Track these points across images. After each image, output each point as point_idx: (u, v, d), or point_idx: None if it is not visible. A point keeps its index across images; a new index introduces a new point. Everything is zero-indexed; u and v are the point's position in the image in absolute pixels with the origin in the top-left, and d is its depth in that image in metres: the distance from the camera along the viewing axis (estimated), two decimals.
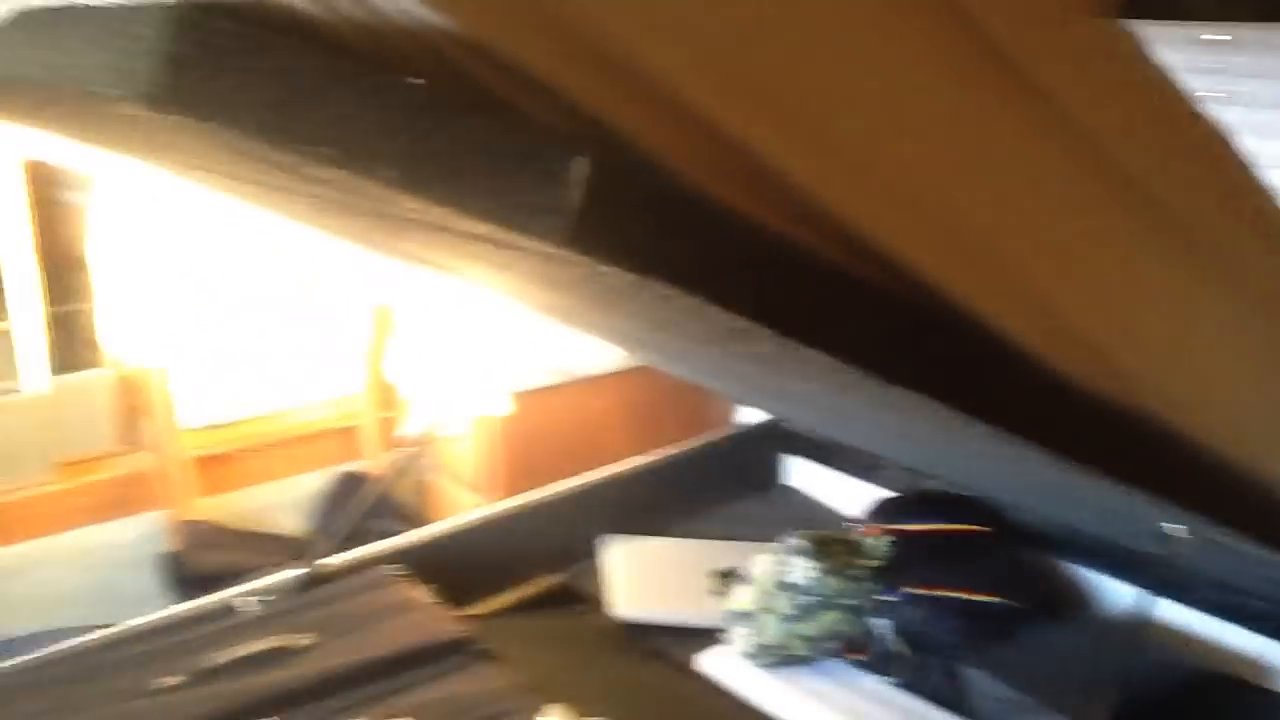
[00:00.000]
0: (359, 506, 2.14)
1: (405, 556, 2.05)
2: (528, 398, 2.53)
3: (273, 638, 1.76)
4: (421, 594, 1.94)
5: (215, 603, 1.89)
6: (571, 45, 0.44)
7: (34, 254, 2.52)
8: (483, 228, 0.50)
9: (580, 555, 2.18)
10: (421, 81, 0.49)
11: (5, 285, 2.58)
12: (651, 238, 0.50)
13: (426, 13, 0.43)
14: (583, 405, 2.65)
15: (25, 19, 0.64)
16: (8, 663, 1.64)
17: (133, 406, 2.57)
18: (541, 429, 2.57)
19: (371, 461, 2.76)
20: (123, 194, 2.43)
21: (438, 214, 0.51)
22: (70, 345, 3.01)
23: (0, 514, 2.41)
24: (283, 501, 2.58)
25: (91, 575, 2.38)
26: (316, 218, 0.83)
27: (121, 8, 0.53)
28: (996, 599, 1.88)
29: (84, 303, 2.71)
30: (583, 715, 1.63)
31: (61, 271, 3.00)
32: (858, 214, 0.53)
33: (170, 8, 0.49)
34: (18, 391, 2.68)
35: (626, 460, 2.39)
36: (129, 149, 0.77)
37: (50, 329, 2.69)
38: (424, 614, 1.89)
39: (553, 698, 1.65)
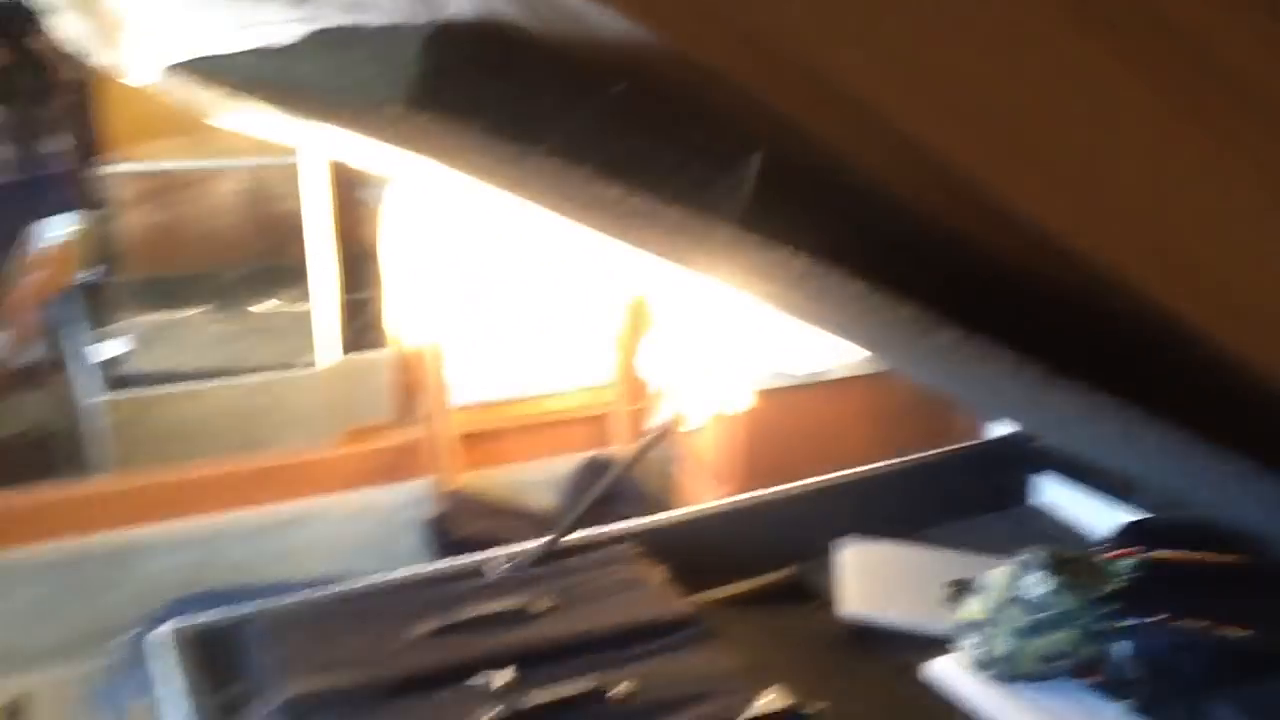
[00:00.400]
0: (603, 488, 2.26)
1: (642, 538, 2.15)
2: (772, 396, 2.58)
3: (514, 599, 1.91)
4: (654, 573, 2.04)
5: (467, 564, 2.06)
6: (760, 53, 0.49)
7: (334, 245, 2.80)
8: (673, 211, 0.57)
9: (813, 553, 2.20)
10: (623, 86, 0.56)
11: (310, 272, 2.87)
12: (821, 225, 0.54)
13: (632, 29, 0.50)
14: (825, 407, 2.67)
15: (317, 36, 0.75)
16: (286, 599, 1.86)
17: (410, 384, 2.81)
18: (783, 428, 2.61)
19: (619, 449, 2.89)
20: (411, 192, 2.66)
21: (634, 202, 0.58)
22: (360, 328, 3.32)
23: (290, 472, 2.70)
24: (536, 480, 2.75)
25: (364, 532, 2.63)
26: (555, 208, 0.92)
27: (387, 28, 0.63)
28: (1252, 635, 1.77)
29: (374, 290, 2.99)
30: (802, 704, 1.68)
31: (357, 261, 3.32)
32: (1046, 216, 0.55)
33: (423, 27, 0.58)
34: (314, 366, 2.99)
35: (868, 465, 2.40)
36: (399, 149, 0.89)
37: (344, 312, 2.98)
38: (654, 592, 1.99)
39: (772, 683, 1.70)
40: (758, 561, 2.26)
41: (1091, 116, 0.52)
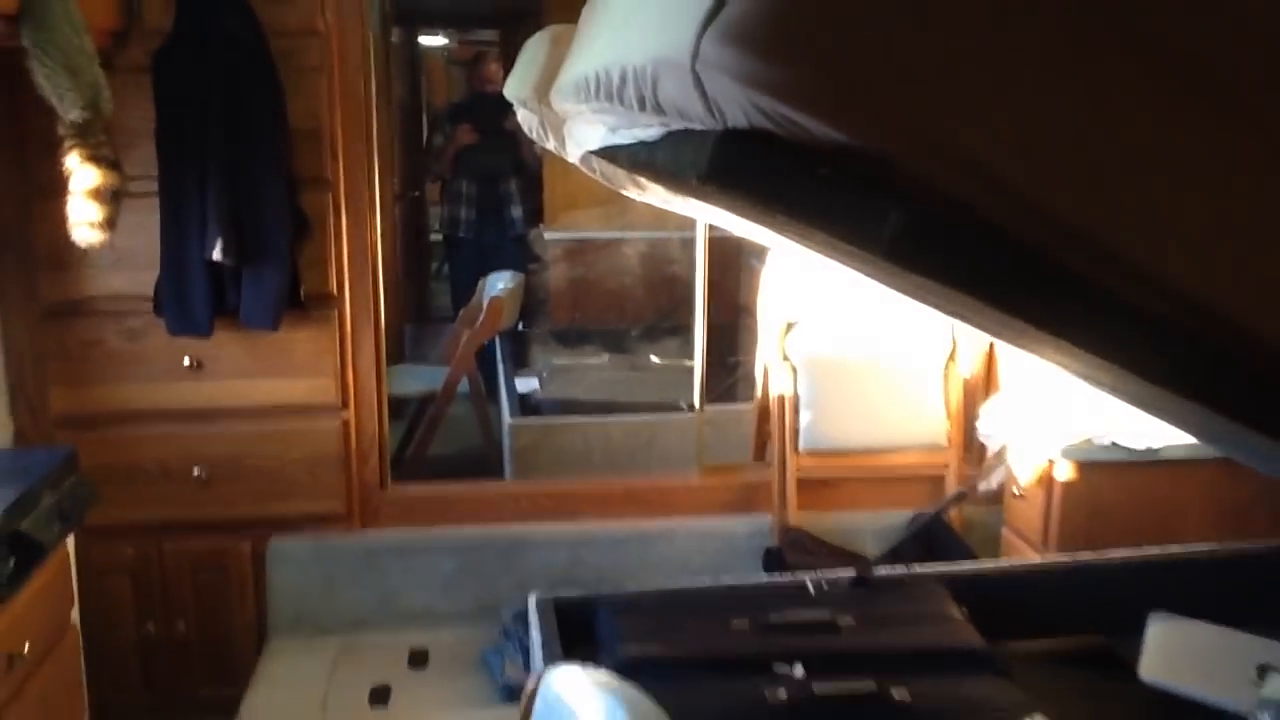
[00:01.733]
0: (915, 528, 2.49)
1: (952, 583, 2.35)
2: (1107, 470, 2.68)
3: (822, 613, 2.19)
4: (954, 610, 2.23)
5: (790, 582, 2.37)
6: (921, 143, 0.80)
7: (704, 309, 3.21)
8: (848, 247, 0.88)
9: (1122, 624, 2.28)
10: (826, 171, 0.89)
11: (695, 330, 3.31)
12: (958, 266, 0.83)
13: (842, 138, 0.83)
14: (1161, 486, 2.69)
15: (668, 135, 1.12)
16: (648, 590, 2.27)
17: (766, 431, 3.17)
18: (1115, 503, 2.68)
19: (949, 513, 3.08)
20: (783, 261, 3.03)
21: (829, 241, 0.90)
22: (732, 383, 3.74)
23: (656, 495, 3.13)
24: (865, 528, 2.98)
25: (710, 551, 2.99)
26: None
27: (700, 131, 1.00)
28: None
29: (748, 349, 3.39)
30: None
31: (737, 322, 3.75)
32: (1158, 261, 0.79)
33: (713, 133, 0.94)
34: (689, 411, 3.43)
35: (1193, 544, 2.42)
36: (705, 205, 1.26)
37: (718, 367, 3.40)
38: (950, 625, 2.18)
39: None
40: (1064, 623, 2.37)
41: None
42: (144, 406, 2.84)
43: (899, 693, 1.96)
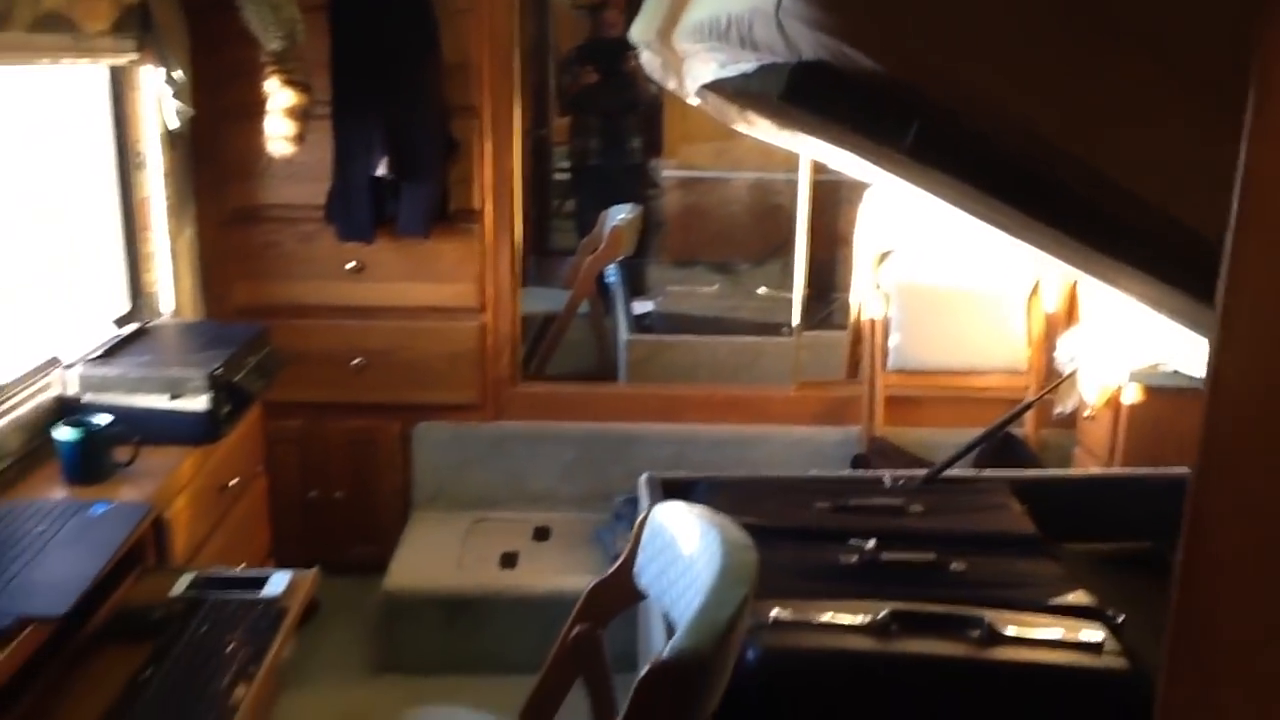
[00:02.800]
0: (983, 437, 2.77)
1: (1016, 487, 2.64)
2: (1165, 394, 2.91)
3: (894, 500, 2.51)
4: (1015, 505, 2.53)
5: (868, 476, 2.69)
6: (936, 76, 1.12)
7: (806, 244, 3.50)
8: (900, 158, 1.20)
9: (1179, 534, 2.52)
10: (864, 90, 1.20)
11: (796, 263, 3.60)
12: (960, 162, 1.15)
13: (882, 70, 1.14)
14: None
15: (760, 68, 1.45)
16: (742, 475, 2.61)
17: (859, 351, 3.47)
18: (1172, 424, 2.91)
19: (1025, 431, 3.34)
20: (879, 194, 3.31)
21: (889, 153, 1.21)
22: (829, 312, 4.05)
23: (754, 403, 3.46)
24: (944, 443, 3.26)
25: (801, 458, 3.31)
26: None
27: (777, 63, 1.32)
28: None
29: (845, 280, 3.67)
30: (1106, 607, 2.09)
31: (834, 259, 4.05)
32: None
33: (790, 64, 1.26)
34: (787, 336, 3.75)
35: None
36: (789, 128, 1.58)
37: (816, 296, 3.71)
38: (1011, 516, 2.48)
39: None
40: (1118, 529, 2.63)
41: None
42: (312, 302, 3.29)
43: (956, 564, 2.27)
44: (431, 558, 3.16)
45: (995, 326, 3.33)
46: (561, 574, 3.04)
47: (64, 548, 1.79)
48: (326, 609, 3.22)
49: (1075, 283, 3.29)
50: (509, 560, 3.17)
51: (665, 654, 1.43)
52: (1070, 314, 3.35)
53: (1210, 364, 0.76)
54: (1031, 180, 1.11)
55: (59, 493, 2.07)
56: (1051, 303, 3.35)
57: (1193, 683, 0.85)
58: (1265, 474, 0.78)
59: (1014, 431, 3.30)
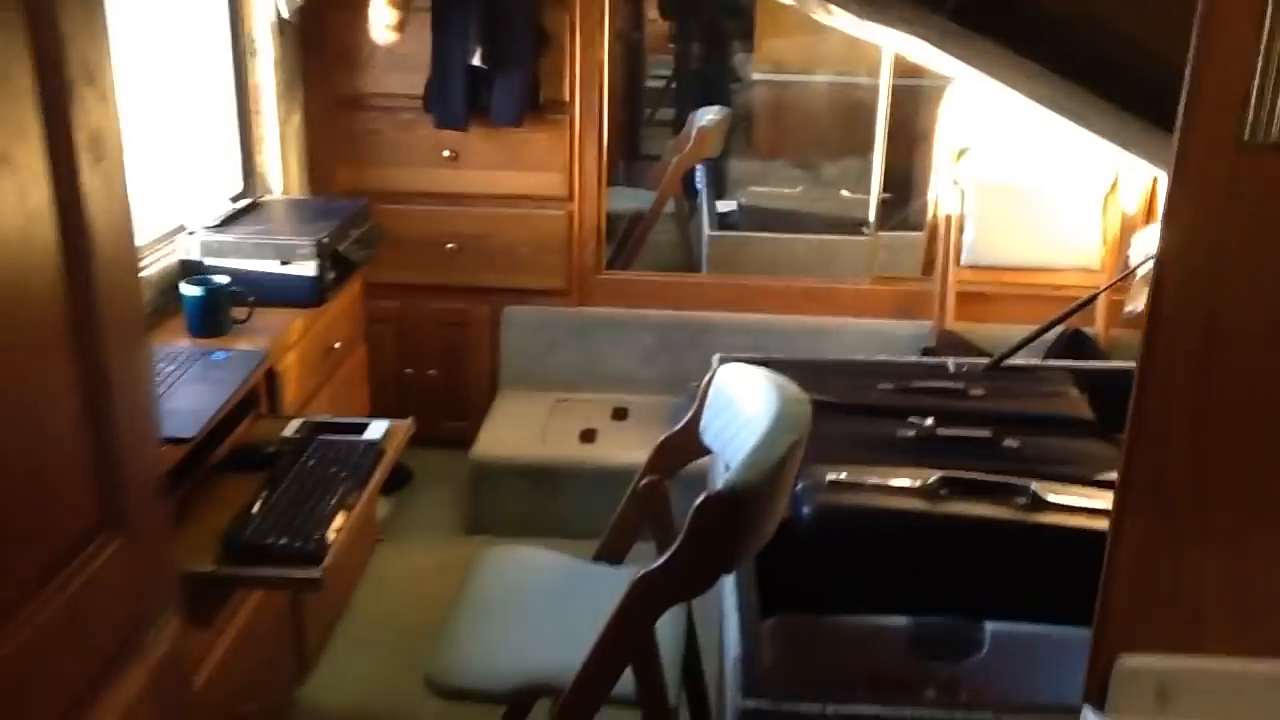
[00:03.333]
0: (1042, 330, 2.85)
1: (1077, 377, 2.72)
2: None
3: (957, 383, 2.62)
4: (1074, 392, 2.62)
5: (935, 361, 2.80)
6: None
7: (883, 147, 3.55)
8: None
9: None
10: None
11: (874, 167, 3.66)
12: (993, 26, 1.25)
13: None
14: None
15: None
16: (812, 359, 2.74)
17: (933, 248, 3.54)
18: None
19: (1096, 329, 3.40)
20: (962, 94, 3.35)
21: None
22: (906, 214, 4.11)
23: (829, 295, 3.57)
24: (1014, 338, 3.33)
25: (873, 349, 3.41)
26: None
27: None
28: None
29: (920, 191, 3.73)
30: None
31: (913, 164, 4.09)
32: None
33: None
34: (865, 235, 3.83)
35: None
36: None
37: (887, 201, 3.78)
38: (1069, 400, 2.58)
39: None
40: None
41: None
42: (409, 188, 3.47)
43: (1010, 441, 2.38)
44: (516, 431, 3.36)
45: (1070, 224, 3.37)
46: (637, 449, 3.20)
47: (191, 385, 2.01)
48: (419, 477, 3.46)
49: (1155, 180, 3.30)
50: (588, 436, 3.36)
51: (719, 486, 1.59)
52: (1149, 213, 3.37)
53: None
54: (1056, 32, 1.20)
55: (184, 343, 2.29)
56: (1130, 201, 3.37)
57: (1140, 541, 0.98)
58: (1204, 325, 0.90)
59: (1084, 330, 3.36)
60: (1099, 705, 1.00)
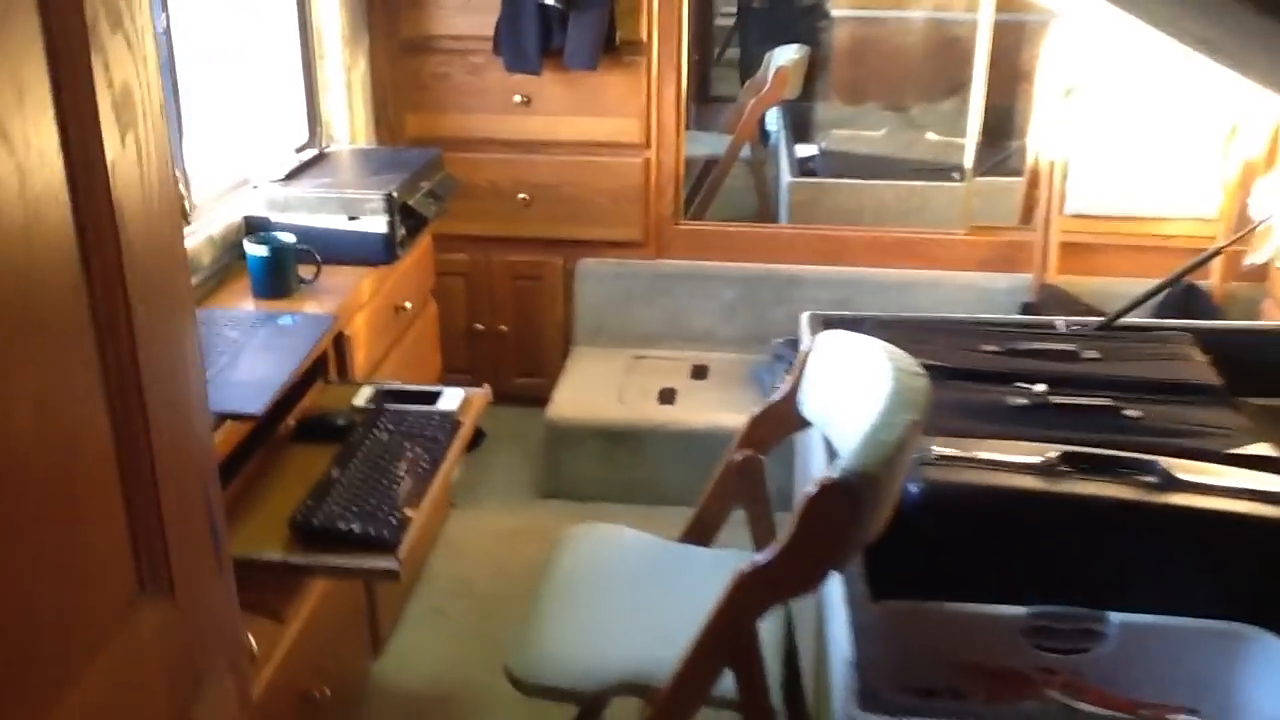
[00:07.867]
0: (1160, 288, 2.64)
1: (1198, 336, 2.51)
2: None
3: (1068, 345, 2.42)
4: (1197, 354, 2.41)
5: (1044, 320, 2.61)
6: None
7: (983, 92, 3.32)
8: None
9: None
10: None
11: (970, 109, 3.43)
12: None
13: None
14: None
15: None
16: (907, 316, 2.56)
17: (1034, 195, 3.31)
18: None
19: (1210, 282, 3.16)
20: (1072, 23, 3.10)
21: None
22: (1005, 157, 3.86)
23: (922, 247, 3.36)
24: (1122, 294, 3.08)
25: (968, 303, 3.21)
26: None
27: None
28: None
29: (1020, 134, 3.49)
30: None
31: (1012, 106, 3.84)
32: None
33: None
34: (960, 181, 3.60)
35: None
36: None
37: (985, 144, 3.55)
38: (1192, 364, 2.37)
39: None
40: None
41: None
42: (480, 135, 3.31)
43: (1131, 410, 2.20)
44: (592, 391, 3.23)
45: (1185, 170, 3.13)
46: (718, 411, 3.07)
47: (257, 353, 1.89)
48: (491, 437, 3.34)
49: (1278, 129, 3.04)
50: (667, 396, 3.21)
51: (834, 473, 1.44)
52: (1271, 159, 3.11)
53: None
54: None
55: (249, 305, 2.17)
56: (1252, 146, 3.11)
57: None
58: None
59: (1197, 283, 3.13)
60: None
